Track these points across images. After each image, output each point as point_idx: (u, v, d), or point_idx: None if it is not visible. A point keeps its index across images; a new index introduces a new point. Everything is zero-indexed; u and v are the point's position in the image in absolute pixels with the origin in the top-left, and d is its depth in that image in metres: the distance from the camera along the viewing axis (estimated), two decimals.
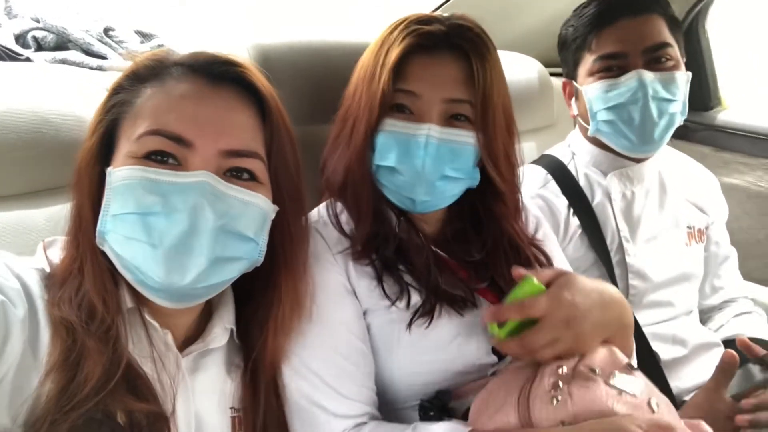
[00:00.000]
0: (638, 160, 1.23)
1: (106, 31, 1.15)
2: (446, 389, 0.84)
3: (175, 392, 0.69)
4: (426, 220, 0.94)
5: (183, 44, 1.27)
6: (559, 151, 1.34)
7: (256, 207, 0.69)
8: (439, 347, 0.84)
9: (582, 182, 1.25)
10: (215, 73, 0.70)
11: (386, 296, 0.84)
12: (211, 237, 0.64)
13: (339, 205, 0.92)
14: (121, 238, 0.64)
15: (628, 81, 1.12)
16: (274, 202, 0.73)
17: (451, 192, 0.89)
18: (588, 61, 1.19)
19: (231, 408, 0.76)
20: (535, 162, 1.34)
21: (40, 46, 1.13)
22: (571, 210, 1.21)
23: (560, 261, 1.04)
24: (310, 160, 1.10)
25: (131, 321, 0.68)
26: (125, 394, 0.63)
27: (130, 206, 0.63)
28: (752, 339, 1.23)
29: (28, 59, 1.05)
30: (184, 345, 0.74)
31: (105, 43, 1.13)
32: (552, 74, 1.68)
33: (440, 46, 0.86)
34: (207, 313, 0.78)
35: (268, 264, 0.74)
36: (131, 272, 0.65)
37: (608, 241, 1.21)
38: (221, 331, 0.76)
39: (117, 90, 0.70)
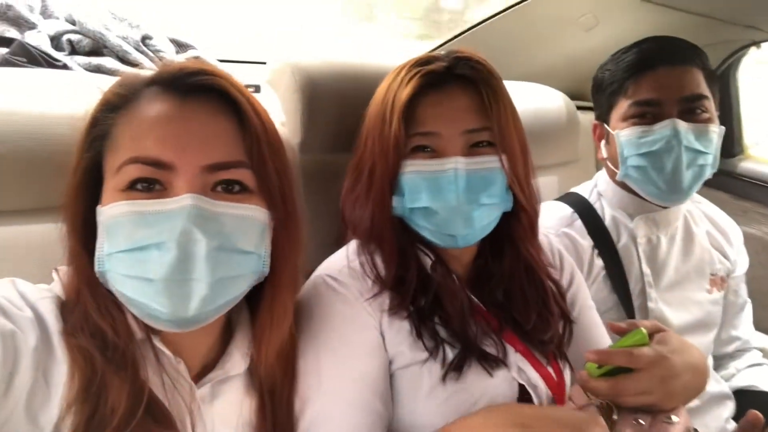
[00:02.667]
0: (665, 206, 1.23)
1: (144, 39, 1.13)
2: None
3: (193, 423, 0.68)
4: (459, 259, 0.93)
5: (218, 54, 1.26)
6: (585, 189, 1.34)
7: (252, 219, 0.67)
8: (468, 401, 0.82)
9: (608, 223, 1.25)
10: (185, 86, 0.67)
11: (425, 349, 0.83)
12: (207, 261, 0.62)
13: (370, 249, 0.90)
14: (119, 276, 0.63)
15: (662, 129, 1.12)
16: (270, 204, 0.70)
17: (489, 219, 0.88)
18: (623, 106, 1.19)
19: None
20: (560, 199, 1.33)
21: (74, 49, 1.10)
22: (596, 251, 1.21)
23: (585, 298, 1.04)
24: (340, 185, 1.08)
25: (143, 350, 0.67)
26: (152, 423, 0.63)
27: (121, 243, 0.62)
28: (765, 392, 1.24)
29: (65, 66, 1.02)
30: (203, 372, 0.72)
31: (142, 52, 1.11)
32: (578, 107, 1.68)
33: (446, 80, 0.86)
34: (226, 336, 0.76)
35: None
36: (138, 308, 0.63)
37: (631, 285, 1.21)
38: (240, 357, 0.74)
39: (93, 123, 0.68)
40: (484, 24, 1.75)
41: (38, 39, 1.04)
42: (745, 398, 1.26)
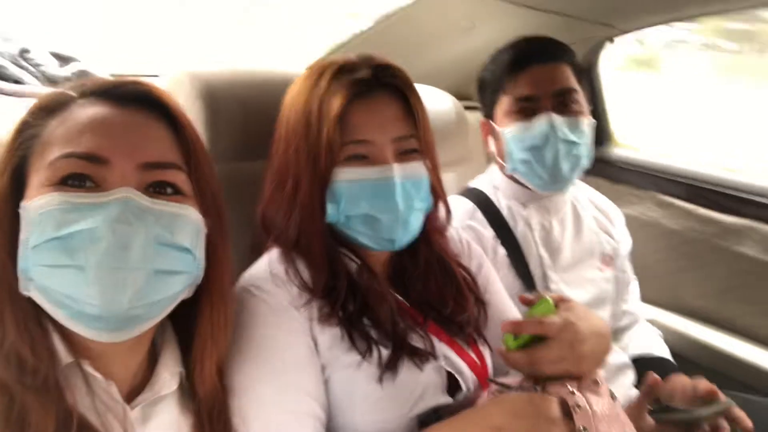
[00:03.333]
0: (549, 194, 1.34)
1: (22, 53, 1.06)
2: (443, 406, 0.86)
3: None
4: (378, 258, 0.96)
5: (107, 69, 1.21)
6: (482, 183, 1.42)
7: (187, 218, 0.67)
8: (401, 395, 0.85)
9: (505, 213, 1.34)
10: (122, 95, 0.69)
11: (357, 351, 0.84)
12: (143, 249, 0.61)
13: (293, 257, 0.90)
14: (45, 269, 0.60)
15: (540, 123, 1.22)
16: (204, 208, 0.71)
17: (419, 221, 0.92)
18: (504, 103, 1.29)
19: None
20: (460, 194, 1.41)
21: None
22: (498, 240, 1.30)
23: (495, 282, 1.11)
24: (247, 194, 1.09)
25: (70, 375, 0.64)
26: None
27: (49, 232, 0.60)
28: (658, 357, 1.37)
29: None
30: (132, 394, 0.70)
31: (21, 66, 1.05)
32: (465, 107, 1.79)
33: (373, 89, 0.89)
34: (152, 359, 0.74)
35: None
36: (64, 306, 0.61)
37: (532, 269, 1.30)
38: (170, 375, 0.73)
39: (23, 127, 0.67)
40: (370, 30, 1.82)
41: None
42: (641, 365, 1.38)
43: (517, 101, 1.26)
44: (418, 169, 0.90)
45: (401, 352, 0.86)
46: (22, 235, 0.62)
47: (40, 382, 0.60)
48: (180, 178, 0.68)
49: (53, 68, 1.10)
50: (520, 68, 1.26)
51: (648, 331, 1.49)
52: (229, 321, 0.75)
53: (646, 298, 1.58)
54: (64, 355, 0.64)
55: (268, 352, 0.82)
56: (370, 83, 0.88)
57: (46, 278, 0.61)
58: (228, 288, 0.76)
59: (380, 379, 0.84)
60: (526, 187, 1.33)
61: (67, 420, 0.59)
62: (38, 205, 0.61)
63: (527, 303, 0.90)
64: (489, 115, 1.35)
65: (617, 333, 1.48)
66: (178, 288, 0.67)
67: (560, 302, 0.87)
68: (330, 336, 0.86)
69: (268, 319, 0.84)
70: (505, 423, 0.73)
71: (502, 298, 1.10)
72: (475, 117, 2.06)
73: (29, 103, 1.00)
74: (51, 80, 1.09)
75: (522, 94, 1.25)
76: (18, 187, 0.65)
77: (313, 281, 0.87)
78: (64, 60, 1.14)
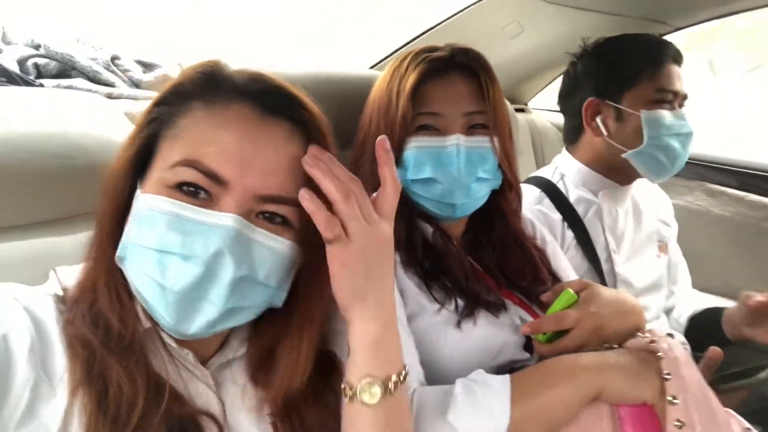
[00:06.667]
0: (623, 183, 1.38)
1: (113, 59, 1.14)
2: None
3: (221, 403, 0.68)
4: (453, 231, 1.01)
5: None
6: (547, 172, 1.47)
7: (283, 254, 0.64)
8: (482, 346, 0.90)
9: (572, 199, 1.38)
10: (268, 104, 0.63)
11: (435, 300, 0.90)
12: (228, 287, 0.59)
13: None
14: (137, 270, 0.61)
15: (685, 115, 1.30)
16: (306, 243, 0.66)
17: (482, 192, 0.97)
18: (644, 89, 1.29)
19: (268, 414, 0.72)
20: (526, 182, 1.45)
21: (40, 73, 1.10)
22: (565, 224, 1.33)
23: (563, 261, 1.15)
24: None
25: (149, 339, 0.66)
26: (179, 405, 0.62)
27: (150, 240, 0.60)
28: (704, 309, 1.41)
29: (41, 86, 1.02)
30: (204, 361, 0.71)
31: (111, 71, 1.12)
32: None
33: (449, 68, 0.95)
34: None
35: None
36: (144, 303, 0.62)
37: (598, 253, 1.33)
38: (238, 343, 0.73)
39: (161, 102, 0.65)
40: (422, 38, 1.88)
41: (7, 63, 1.03)
42: (694, 326, 1.42)
43: (659, 91, 1.29)
44: (484, 142, 0.94)
45: (476, 304, 0.91)
46: (129, 222, 0.62)
47: (123, 347, 0.61)
48: (295, 214, 0.64)
49: (138, 74, 1.18)
50: (663, 61, 1.30)
51: (690, 296, 1.52)
52: (305, 348, 0.70)
53: (696, 286, 1.59)
54: (144, 320, 0.64)
55: None
56: (445, 61, 0.95)
57: (135, 276, 0.61)
58: (318, 312, 0.70)
59: (458, 324, 0.89)
60: (601, 174, 1.37)
61: (159, 385, 0.60)
62: (149, 203, 0.60)
63: (535, 331, 0.89)
64: (611, 98, 1.33)
65: (669, 311, 1.50)
66: (249, 318, 0.66)
67: (582, 289, 0.90)
68: (412, 284, 0.91)
69: None
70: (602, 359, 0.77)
71: (568, 275, 1.13)
72: (523, 118, 2.10)
73: (122, 105, 1.08)
74: (137, 84, 1.16)
75: (664, 86, 1.29)
76: (142, 163, 0.63)
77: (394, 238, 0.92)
78: (147, 66, 1.22)
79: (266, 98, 0.64)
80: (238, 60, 0.68)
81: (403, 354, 0.82)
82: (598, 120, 1.34)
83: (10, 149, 0.82)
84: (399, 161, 0.94)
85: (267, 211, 0.63)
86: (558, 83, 1.49)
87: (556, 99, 1.51)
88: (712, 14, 1.64)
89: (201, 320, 0.60)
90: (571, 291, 0.88)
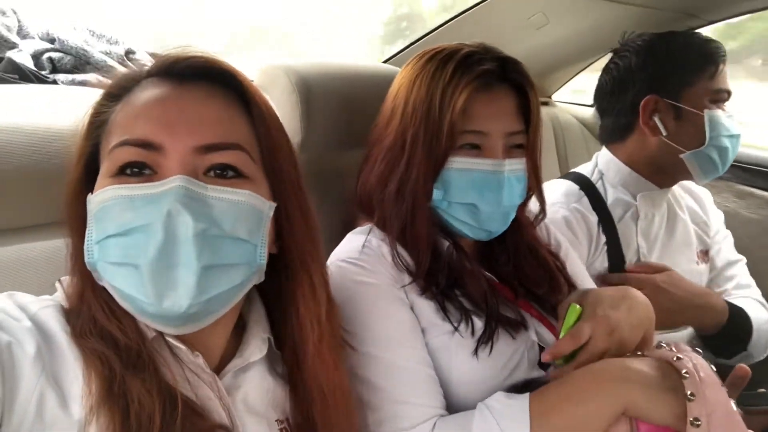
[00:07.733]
0: (663, 186, 1.35)
1: (127, 53, 1.12)
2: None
3: (227, 412, 0.67)
4: (467, 242, 0.98)
5: None
6: (586, 169, 1.43)
7: (245, 205, 0.63)
8: (496, 367, 0.87)
9: (610, 201, 1.34)
10: (181, 71, 0.65)
11: (450, 323, 0.87)
12: (194, 244, 0.57)
13: (386, 237, 0.93)
14: (108, 266, 0.60)
15: (733, 116, 1.28)
16: (274, 197, 0.67)
17: (514, 214, 0.94)
18: (706, 88, 1.26)
19: (277, 420, 0.73)
20: (565, 177, 1.42)
21: (54, 67, 1.09)
22: (600, 227, 1.30)
23: (576, 265, 1.11)
24: (341, 183, 1.12)
25: (158, 348, 0.65)
26: (194, 417, 0.61)
27: (109, 228, 0.59)
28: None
29: (54, 82, 1.01)
30: (221, 364, 0.71)
31: (126, 66, 1.11)
32: None
33: (497, 82, 0.90)
34: (241, 326, 0.75)
35: (282, 264, 0.71)
36: (129, 302, 0.60)
37: (628, 257, 1.30)
38: (259, 342, 0.73)
39: (95, 114, 0.66)
40: (441, 29, 1.83)
41: (21, 58, 1.02)
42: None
43: (717, 91, 1.26)
44: (521, 164, 0.91)
45: (494, 322, 0.88)
46: (88, 228, 0.62)
47: (134, 359, 0.61)
48: (242, 160, 0.64)
49: None
50: (718, 63, 1.26)
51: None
52: (319, 290, 0.73)
53: None
54: (147, 330, 0.64)
55: (381, 323, 0.85)
56: (494, 75, 0.89)
57: (110, 276, 0.60)
58: (313, 258, 0.72)
59: (475, 351, 0.86)
60: (641, 175, 1.33)
61: (172, 396, 0.60)
62: (98, 200, 0.61)
63: (555, 356, 0.86)
64: (668, 95, 1.29)
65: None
66: (238, 280, 0.63)
67: (581, 298, 0.87)
68: (426, 305, 0.88)
69: (370, 291, 0.86)
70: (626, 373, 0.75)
71: (582, 280, 1.10)
72: (545, 112, 2.05)
73: None
74: None
75: (722, 85, 1.26)
76: (93, 177, 0.64)
77: (416, 264, 0.90)
78: None
79: (178, 67, 0.66)
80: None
81: (424, 386, 0.83)
82: (656, 118, 1.28)
83: (32, 149, 0.82)
84: (437, 177, 0.90)
85: (214, 165, 0.62)
86: (580, 76, 1.44)
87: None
88: (747, 8, 1.56)
89: (182, 290, 0.57)
90: (576, 306, 0.85)
